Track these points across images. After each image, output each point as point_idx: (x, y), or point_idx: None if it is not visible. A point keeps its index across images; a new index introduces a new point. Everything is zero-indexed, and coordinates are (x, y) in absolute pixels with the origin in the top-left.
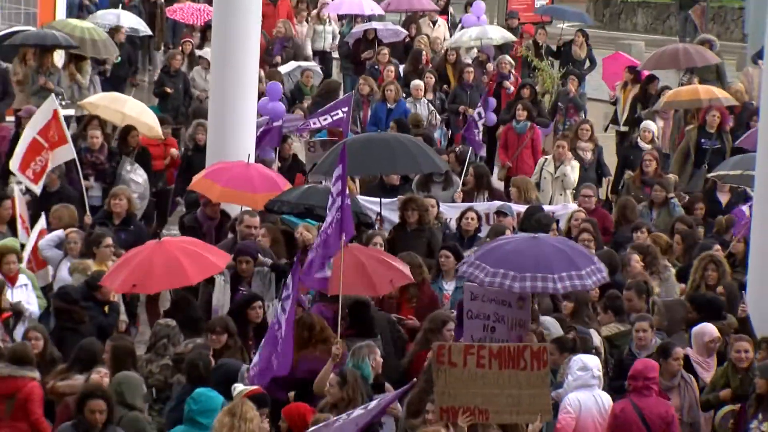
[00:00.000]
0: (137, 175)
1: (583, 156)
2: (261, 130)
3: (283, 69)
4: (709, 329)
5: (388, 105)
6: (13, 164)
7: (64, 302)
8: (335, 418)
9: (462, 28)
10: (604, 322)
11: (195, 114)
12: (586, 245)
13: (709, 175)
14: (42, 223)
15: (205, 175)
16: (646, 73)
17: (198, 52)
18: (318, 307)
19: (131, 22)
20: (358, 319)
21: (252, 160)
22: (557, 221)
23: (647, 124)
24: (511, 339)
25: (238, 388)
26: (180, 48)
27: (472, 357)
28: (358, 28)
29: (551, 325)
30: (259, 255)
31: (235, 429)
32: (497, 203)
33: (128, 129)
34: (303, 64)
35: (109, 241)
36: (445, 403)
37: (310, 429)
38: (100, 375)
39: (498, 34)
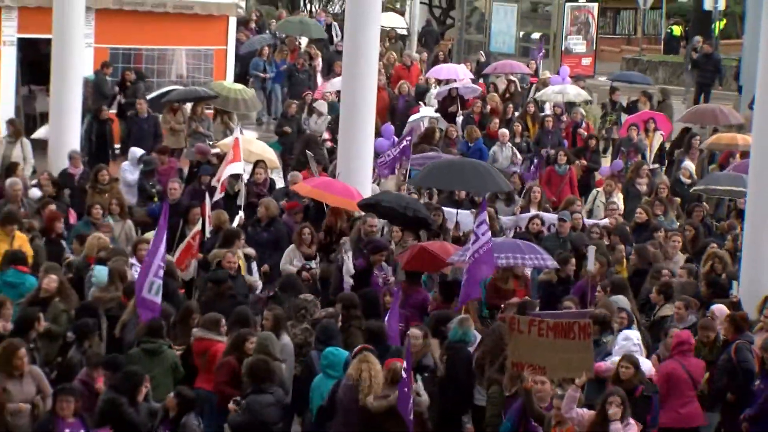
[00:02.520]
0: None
1: (639, 188)
2: (380, 161)
3: (413, 117)
4: (720, 307)
5: (469, 144)
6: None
7: (211, 281)
8: None
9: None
10: (655, 301)
11: (305, 141)
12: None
13: (694, 189)
14: (198, 225)
15: (313, 187)
16: (662, 120)
17: (315, 105)
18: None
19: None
20: (447, 296)
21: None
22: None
23: (687, 164)
24: None
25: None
26: (303, 98)
27: (534, 327)
28: (443, 88)
29: (623, 301)
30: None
31: (363, 371)
32: (550, 215)
33: (256, 162)
34: (426, 114)
35: (242, 237)
36: (516, 359)
37: None
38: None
39: (574, 92)
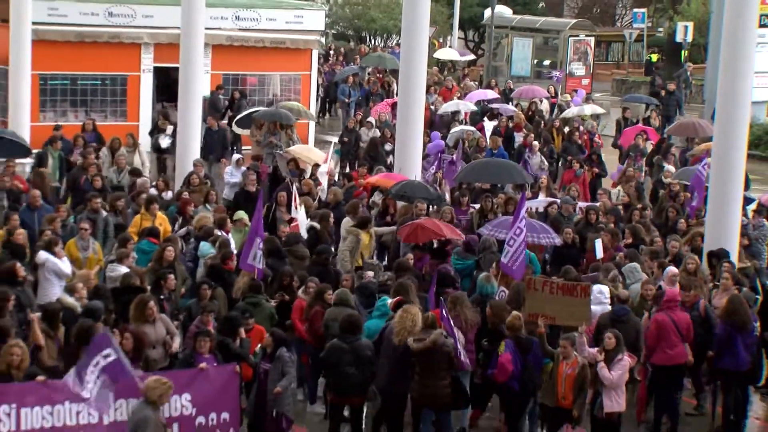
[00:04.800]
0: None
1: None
2: (433, 160)
3: (454, 129)
4: (673, 270)
5: (493, 150)
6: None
7: (317, 253)
8: None
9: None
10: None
11: (371, 144)
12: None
13: (668, 180)
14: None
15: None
16: (651, 132)
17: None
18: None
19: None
20: (439, 257)
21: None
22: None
23: (668, 168)
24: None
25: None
26: (355, 116)
27: (546, 287)
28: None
29: (635, 269)
30: None
31: (402, 318)
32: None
33: (316, 165)
34: (464, 128)
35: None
36: (532, 310)
37: None
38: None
39: (590, 110)
